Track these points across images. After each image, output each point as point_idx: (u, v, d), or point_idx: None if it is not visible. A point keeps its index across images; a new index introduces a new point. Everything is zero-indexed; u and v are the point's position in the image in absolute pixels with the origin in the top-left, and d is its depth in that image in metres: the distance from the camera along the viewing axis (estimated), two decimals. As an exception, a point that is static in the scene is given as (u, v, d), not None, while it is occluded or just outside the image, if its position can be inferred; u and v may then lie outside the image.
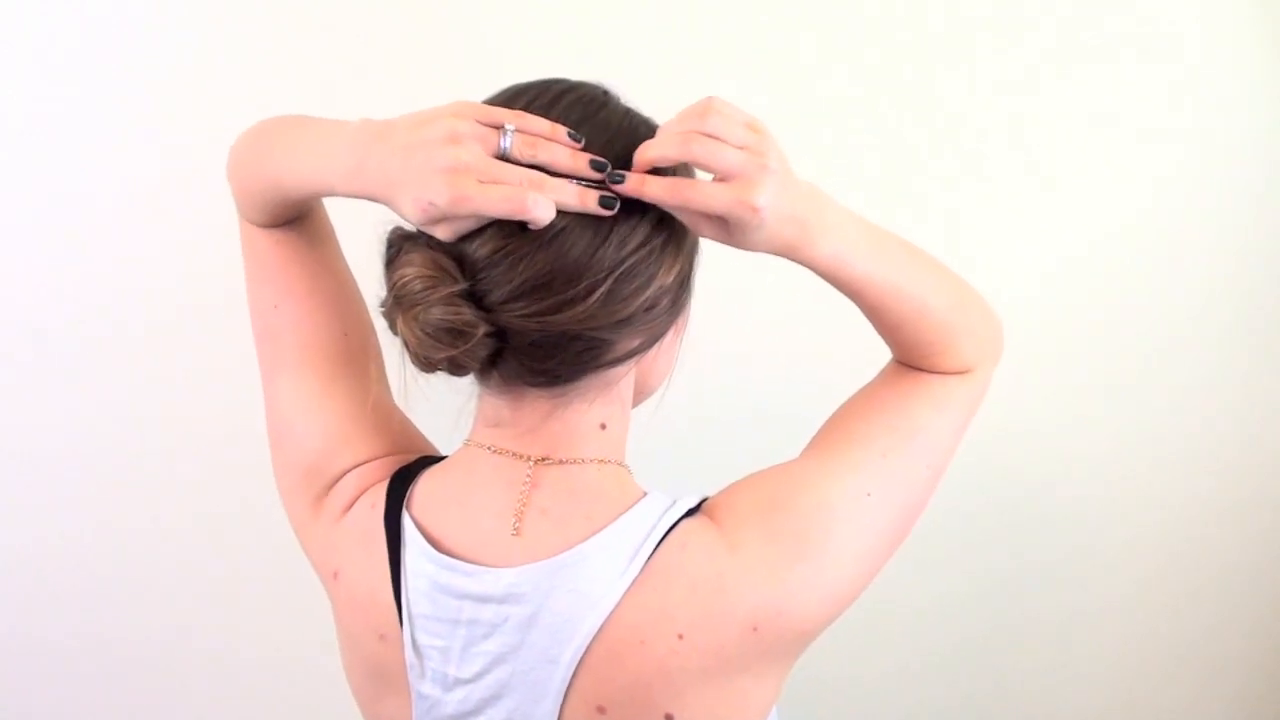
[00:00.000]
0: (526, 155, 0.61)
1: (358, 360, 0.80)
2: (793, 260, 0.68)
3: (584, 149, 0.63)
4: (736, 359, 1.43)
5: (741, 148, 0.62)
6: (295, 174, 0.71)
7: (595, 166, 0.62)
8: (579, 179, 0.62)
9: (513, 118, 0.62)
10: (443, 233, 0.62)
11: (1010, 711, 1.67)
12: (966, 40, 1.37)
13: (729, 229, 0.64)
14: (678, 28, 1.33)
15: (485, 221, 0.62)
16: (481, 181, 0.60)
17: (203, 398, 1.37)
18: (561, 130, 0.63)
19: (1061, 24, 1.37)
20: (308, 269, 0.80)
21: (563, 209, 0.61)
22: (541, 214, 0.60)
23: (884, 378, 0.79)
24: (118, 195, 1.30)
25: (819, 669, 1.57)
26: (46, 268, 1.33)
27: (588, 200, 0.62)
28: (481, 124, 0.61)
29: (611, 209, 0.62)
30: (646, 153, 0.63)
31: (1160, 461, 1.55)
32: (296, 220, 0.80)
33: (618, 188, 0.63)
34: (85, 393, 1.37)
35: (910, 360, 0.77)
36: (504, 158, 0.61)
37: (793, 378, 1.43)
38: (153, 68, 1.28)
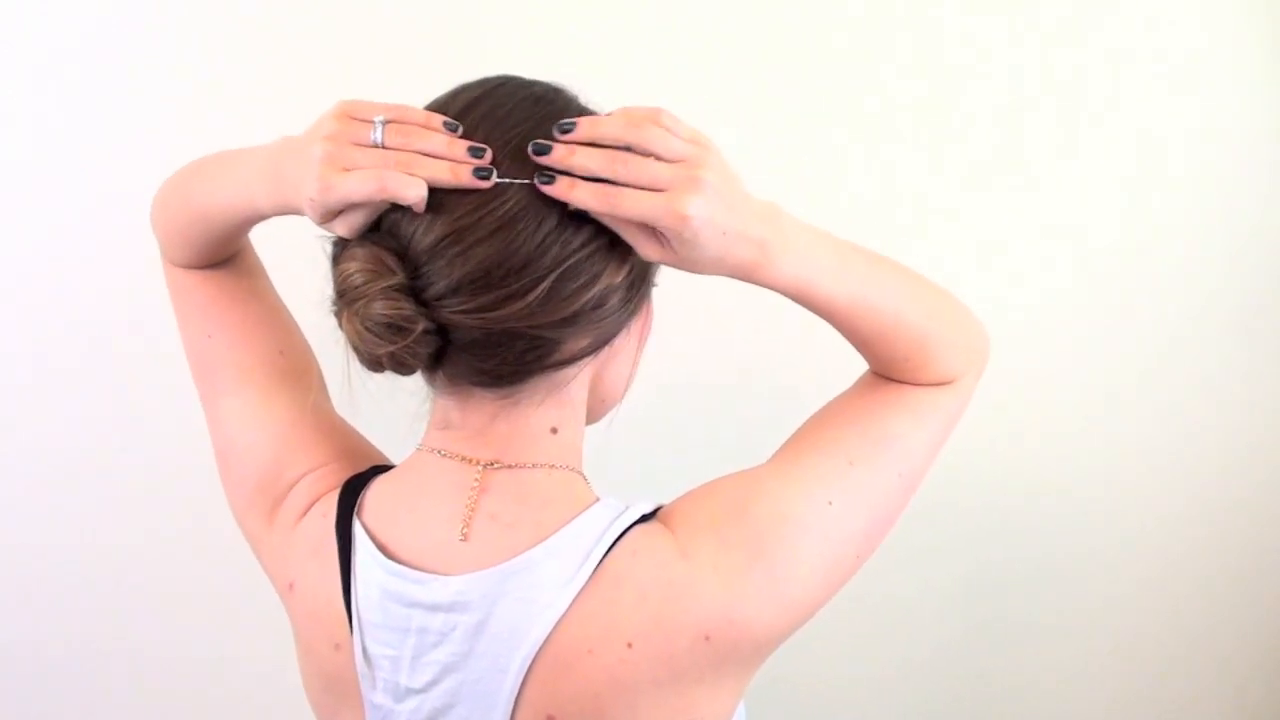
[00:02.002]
0: (399, 144, 0.61)
1: (297, 375, 0.80)
2: (751, 283, 0.66)
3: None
4: (704, 361, 1.42)
5: (677, 160, 0.61)
6: (221, 201, 0.73)
7: (473, 153, 0.61)
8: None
9: (385, 110, 0.62)
10: (341, 228, 0.63)
11: (1009, 712, 1.65)
12: (965, 40, 1.36)
13: (667, 245, 0.63)
14: (677, 29, 1.33)
15: (375, 211, 0.62)
16: (345, 169, 0.60)
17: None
18: (437, 119, 0.63)
19: (1061, 24, 1.36)
20: (237, 298, 0.82)
21: (437, 185, 0.61)
22: (407, 192, 0.60)
23: (859, 386, 0.78)
24: (117, 197, 1.31)
25: (811, 669, 1.58)
26: (47, 271, 1.35)
27: (460, 174, 0.60)
28: (354, 118, 0.62)
29: (487, 179, 0.61)
30: (591, 127, 0.62)
31: (1159, 462, 1.55)
32: (224, 262, 0.82)
33: (546, 189, 0.61)
34: (84, 395, 1.39)
35: (887, 374, 0.75)
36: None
37: (762, 382, 1.43)
38: (153, 69, 1.30)
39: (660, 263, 0.65)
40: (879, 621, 1.58)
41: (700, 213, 0.60)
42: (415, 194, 0.60)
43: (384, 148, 0.61)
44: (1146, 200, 1.43)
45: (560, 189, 0.61)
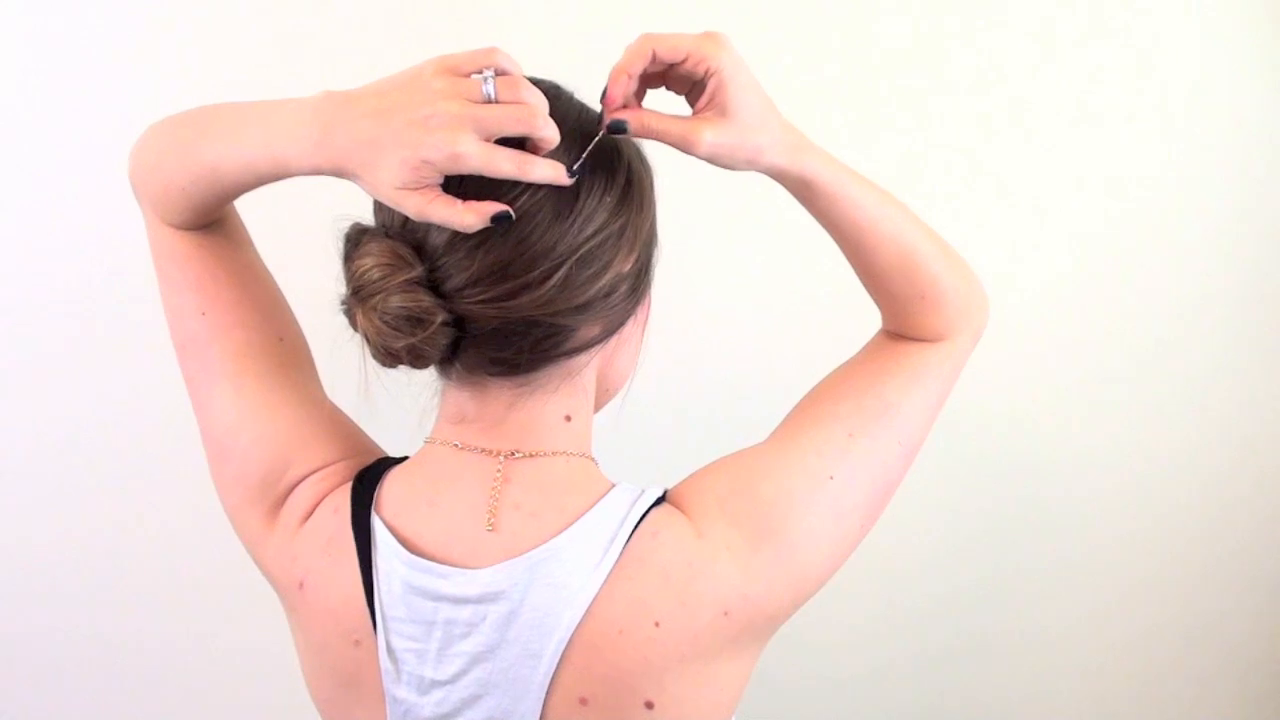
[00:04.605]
0: (510, 97, 0.60)
1: (298, 365, 0.78)
2: (793, 169, 0.68)
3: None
4: (702, 352, 1.43)
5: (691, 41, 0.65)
6: (239, 156, 0.67)
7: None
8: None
9: (484, 62, 0.61)
10: (416, 204, 0.60)
11: (1011, 713, 1.66)
12: (961, 36, 1.37)
13: (720, 116, 0.65)
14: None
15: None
16: (473, 131, 0.59)
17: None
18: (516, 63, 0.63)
19: (1055, 19, 1.37)
20: (234, 274, 0.77)
21: (547, 146, 0.62)
22: (553, 134, 0.61)
23: (858, 357, 0.80)
24: (114, 190, 1.30)
25: (809, 669, 1.58)
26: (46, 265, 1.32)
27: (560, 173, 0.62)
28: (458, 75, 0.60)
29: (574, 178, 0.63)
30: (625, 84, 0.65)
31: (1158, 461, 1.56)
32: (214, 223, 0.77)
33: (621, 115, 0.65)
34: (82, 391, 1.36)
35: (898, 317, 0.78)
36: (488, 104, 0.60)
37: (760, 369, 1.43)
38: (151, 65, 1.27)
39: (716, 142, 0.65)
40: (879, 623, 1.59)
41: (729, 61, 0.64)
42: (555, 133, 0.61)
43: (497, 102, 0.60)
44: (1143, 198, 1.45)
45: (637, 125, 0.65)
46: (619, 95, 0.65)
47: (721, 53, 0.64)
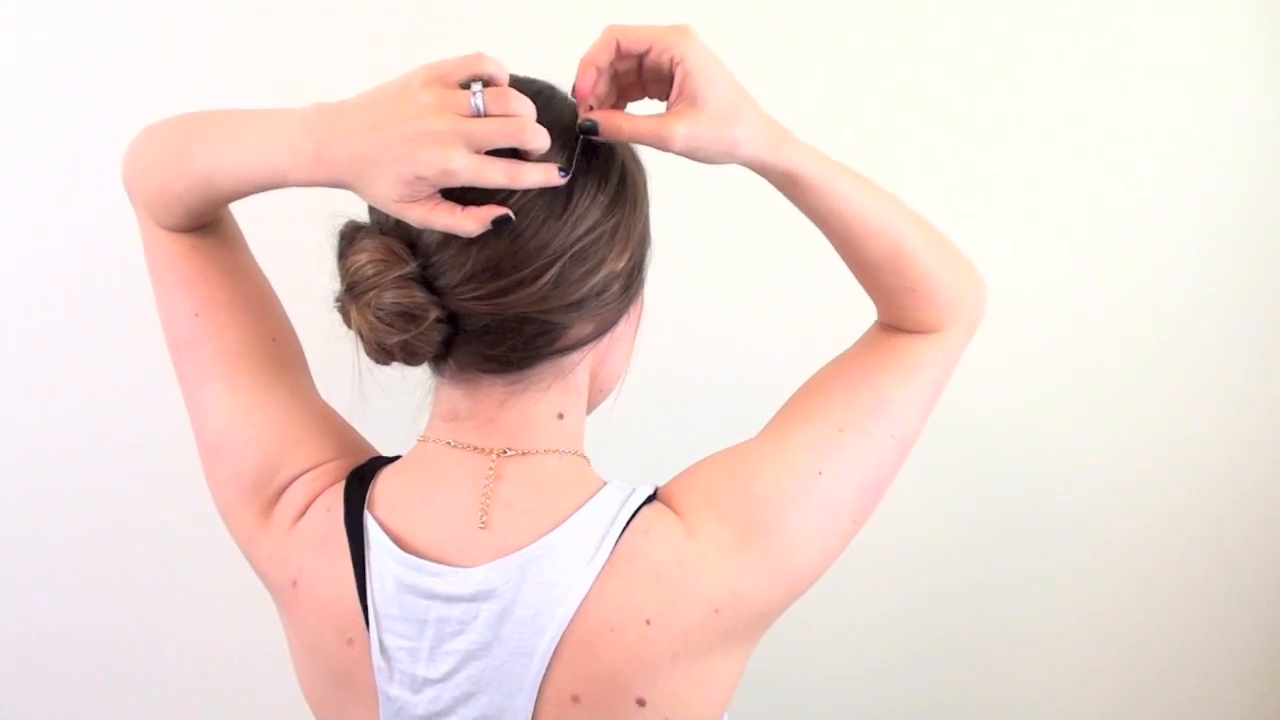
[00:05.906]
0: (500, 109, 0.60)
1: (291, 365, 0.78)
2: (777, 163, 0.67)
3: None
4: (696, 350, 1.43)
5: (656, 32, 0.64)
6: (235, 166, 0.67)
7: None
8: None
9: (471, 71, 0.61)
10: (417, 214, 0.61)
11: (1010, 711, 1.66)
12: (960, 35, 1.36)
13: (692, 106, 0.64)
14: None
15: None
16: (464, 147, 0.59)
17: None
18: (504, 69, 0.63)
19: (1055, 19, 1.37)
20: (227, 275, 0.77)
21: (537, 153, 0.62)
22: (539, 142, 0.61)
23: (852, 350, 0.80)
24: (114, 191, 1.30)
25: (805, 665, 1.57)
26: (46, 264, 1.32)
27: (551, 175, 0.62)
28: (446, 86, 0.60)
29: (567, 176, 0.63)
30: (594, 78, 0.65)
31: (1157, 461, 1.55)
32: (208, 224, 0.77)
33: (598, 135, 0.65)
34: (81, 391, 1.36)
35: (891, 310, 0.77)
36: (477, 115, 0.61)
37: (754, 367, 1.42)
38: (150, 65, 1.28)
39: (689, 135, 0.64)
40: (878, 622, 1.59)
41: (694, 50, 0.63)
42: (543, 142, 0.61)
43: (486, 114, 0.60)
44: (1144, 200, 1.44)
45: (608, 126, 0.65)
46: (587, 87, 0.65)
47: (685, 41, 0.63)
